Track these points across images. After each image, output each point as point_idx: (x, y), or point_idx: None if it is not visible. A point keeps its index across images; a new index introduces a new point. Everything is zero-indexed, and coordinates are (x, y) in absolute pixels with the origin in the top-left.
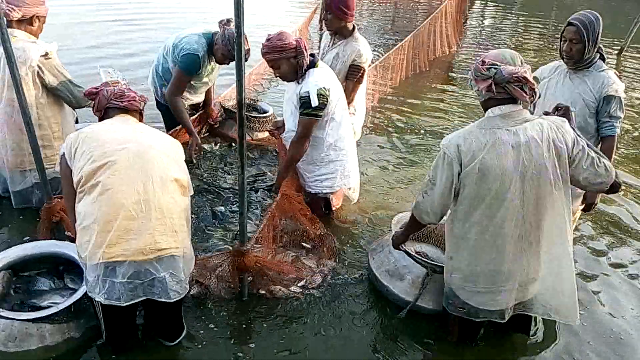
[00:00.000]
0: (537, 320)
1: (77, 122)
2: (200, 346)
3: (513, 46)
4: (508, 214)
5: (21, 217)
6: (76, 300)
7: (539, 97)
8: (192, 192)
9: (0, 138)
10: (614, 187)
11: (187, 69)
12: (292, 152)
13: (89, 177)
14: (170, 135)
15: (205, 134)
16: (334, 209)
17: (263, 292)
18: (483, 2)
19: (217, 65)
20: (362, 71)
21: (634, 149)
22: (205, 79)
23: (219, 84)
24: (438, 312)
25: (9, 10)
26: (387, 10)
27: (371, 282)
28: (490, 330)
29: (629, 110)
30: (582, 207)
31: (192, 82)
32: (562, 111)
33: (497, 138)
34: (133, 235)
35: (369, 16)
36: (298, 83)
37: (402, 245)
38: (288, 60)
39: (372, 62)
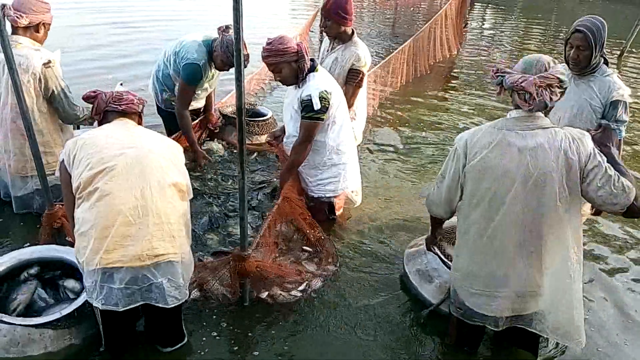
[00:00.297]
0: (548, 341)
1: (78, 127)
2: (202, 353)
3: (513, 49)
4: (507, 218)
5: (22, 223)
6: (78, 307)
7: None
8: (191, 196)
9: (4, 143)
10: (633, 211)
11: (189, 79)
12: (293, 156)
13: (87, 184)
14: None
15: (207, 139)
16: (337, 212)
17: (264, 296)
18: (483, 5)
19: (218, 71)
20: (361, 75)
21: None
22: (205, 85)
23: (221, 89)
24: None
25: (17, 17)
26: (388, 15)
27: (381, 284)
28: (499, 344)
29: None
30: (592, 211)
31: None
32: (601, 131)
33: (503, 139)
34: (130, 241)
35: (370, 21)
36: (298, 87)
37: (433, 247)
38: (289, 64)
39: (373, 66)
